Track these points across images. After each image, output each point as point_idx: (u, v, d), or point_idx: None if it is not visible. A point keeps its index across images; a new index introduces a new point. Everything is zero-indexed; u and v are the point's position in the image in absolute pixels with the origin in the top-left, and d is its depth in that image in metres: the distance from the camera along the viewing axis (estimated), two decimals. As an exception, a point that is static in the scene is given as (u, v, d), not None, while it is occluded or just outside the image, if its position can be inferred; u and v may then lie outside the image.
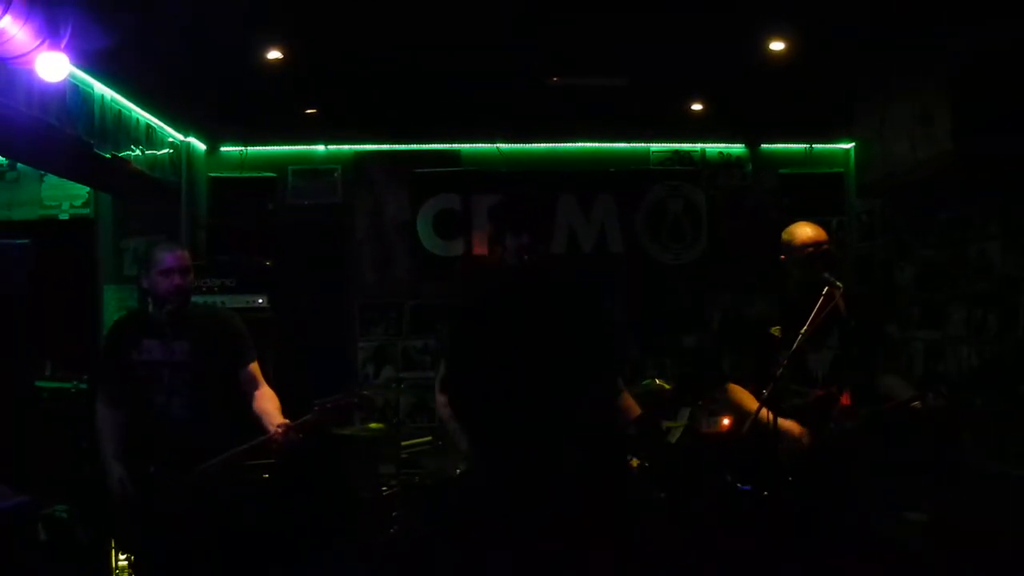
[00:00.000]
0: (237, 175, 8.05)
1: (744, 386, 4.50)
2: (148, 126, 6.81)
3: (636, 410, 4.37)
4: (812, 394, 4.38)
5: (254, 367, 4.36)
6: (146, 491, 4.12)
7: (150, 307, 4.31)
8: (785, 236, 4.46)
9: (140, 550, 4.30)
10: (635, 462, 5.08)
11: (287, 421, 4.16)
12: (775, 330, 4.37)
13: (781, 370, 4.10)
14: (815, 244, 4.35)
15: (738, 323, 4.96)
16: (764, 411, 4.08)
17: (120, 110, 6.23)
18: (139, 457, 4.17)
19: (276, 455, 4.30)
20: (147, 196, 7.35)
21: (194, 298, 4.44)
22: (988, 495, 5.40)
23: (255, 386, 4.32)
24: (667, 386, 6.30)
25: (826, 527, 4.38)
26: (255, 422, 4.25)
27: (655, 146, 8.29)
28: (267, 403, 4.21)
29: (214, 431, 4.17)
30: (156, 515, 4.10)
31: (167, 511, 4.07)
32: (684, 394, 6.56)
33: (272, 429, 4.13)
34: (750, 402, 4.38)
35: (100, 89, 5.87)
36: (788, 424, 4.24)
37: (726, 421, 6.63)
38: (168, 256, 4.21)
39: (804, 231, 4.40)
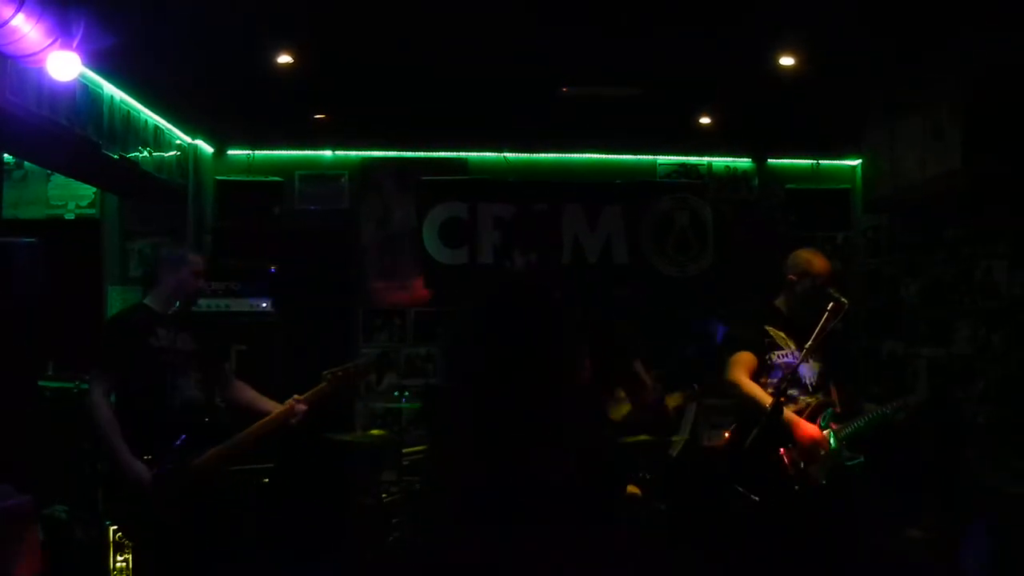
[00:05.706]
0: (244, 179, 8.05)
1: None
2: (156, 128, 6.82)
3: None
4: (806, 401, 4.62)
5: (228, 365, 5.13)
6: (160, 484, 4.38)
7: (153, 304, 4.69)
8: (801, 263, 4.74)
9: (151, 538, 4.49)
10: (634, 488, 5.19)
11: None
12: (771, 330, 4.69)
13: (781, 382, 4.41)
14: (829, 275, 4.68)
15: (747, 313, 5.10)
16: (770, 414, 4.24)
17: (129, 111, 6.24)
18: (155, 438, 4.40)
19: (288, 428, 4.70)
20: (154, 198, 7.36)
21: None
22: (990, 512, 5.37)
23: (231, 379, 4.97)
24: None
25: (827, 543, 4.39)
26: (246, 405, 4.84)
27: (662, 158, 8.29)
28: (249, 391, 4.85)
29: (220, 409, 4.73)
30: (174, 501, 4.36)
31: (185, 495, 4.37)
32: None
33: (286, 404, 4.65)
34: (760, 393, 4.49)
35: (109, 90, 5.88)
36: (809, 432, 4.37)
37: (727, 434, 6.62)
38: (200, 259, 4.80)
39: (822, 262, 4.72)
